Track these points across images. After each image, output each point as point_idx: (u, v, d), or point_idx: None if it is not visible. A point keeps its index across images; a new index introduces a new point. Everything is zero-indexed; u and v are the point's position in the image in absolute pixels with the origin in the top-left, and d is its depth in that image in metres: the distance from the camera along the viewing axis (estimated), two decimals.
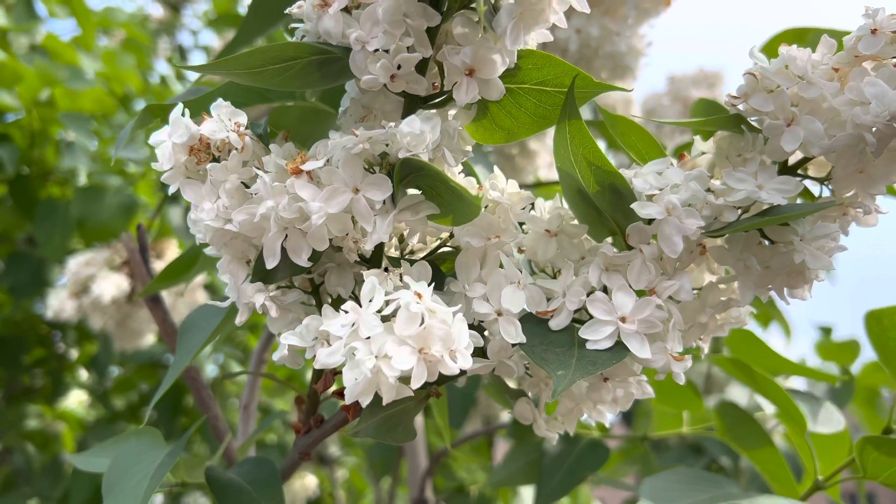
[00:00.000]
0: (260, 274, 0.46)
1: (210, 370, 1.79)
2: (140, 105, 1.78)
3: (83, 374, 1.74)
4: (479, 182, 0.50)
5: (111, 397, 1.67)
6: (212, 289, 1.49)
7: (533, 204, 0.49)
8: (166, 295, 1.26)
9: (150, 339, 1.30)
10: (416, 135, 0.41)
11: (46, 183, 1.54)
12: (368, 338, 0.39)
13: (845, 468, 0.63)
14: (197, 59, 2.26)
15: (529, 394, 0.53)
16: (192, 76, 1.97)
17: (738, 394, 1.13)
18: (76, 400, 1.81)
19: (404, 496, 1.73)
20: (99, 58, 1.64)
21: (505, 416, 1.33)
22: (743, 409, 0.75)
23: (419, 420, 1.17)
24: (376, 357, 0.38)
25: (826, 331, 1.47)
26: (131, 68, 1.63)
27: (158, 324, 0.73)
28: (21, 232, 1.59)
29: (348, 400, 0.39)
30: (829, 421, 0.68)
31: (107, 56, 1.62)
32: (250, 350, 1.77)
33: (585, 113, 0.93)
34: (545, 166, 1.16)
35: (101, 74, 1.55)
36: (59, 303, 1.19)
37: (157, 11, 2.35)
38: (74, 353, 1.70)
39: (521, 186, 0.49)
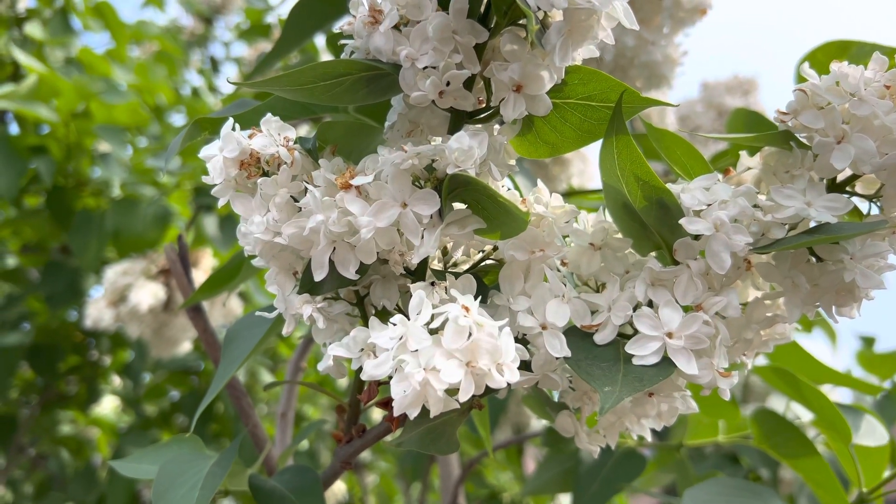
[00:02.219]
0: (307, 286, 0.47)
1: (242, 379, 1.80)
2: (173, 117, 1.81)
3: (116, 381, 1.77)
4: (521, 194, 0.50)
5: (143, 404, 1.69)
6: (245, 297, 1.50)
7: (576, 217, 0.49)
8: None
9: (186, 346, 1.31)
10: (464, 150, 0.41)
11: (82, 194, 1.57)
12: (416, 350, 0.39)
13: (892, 480, 0.63)
14: (229, 70, 2.29)
15: (570, 406, 0.53)
16: (225, 88, 2.00)
17: (778, 405, 1.11)
18: (109, 406, 1.84)
19: (434, 503, 1.73)
20: (132, 70, 1.67)
21: (535, 424, 1.33)
22: (781, 416, 0.74)
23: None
24: (424, 370, 0.38)
25: (868, 341, 1.45)
26: (163, 80, 1.65)
27: (199, 333, 0.74)
28: (56, 242, 1.62)
29: (397, 412, 0.39)
30: (872, 434, 0.67)
31: (139, 68, 1.65)
32: (279, 358, 1.78)
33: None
34: (577, 174, 1.16)
35: (133, 86, 1.58)
36: (97, 312, 1.21)
37: (190, 24, 2.38)
38: (108, 361, 1.73)
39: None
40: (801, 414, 0.83)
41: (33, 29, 1.62)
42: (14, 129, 1.60)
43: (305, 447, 1.72)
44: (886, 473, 0.68)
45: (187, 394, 1.62)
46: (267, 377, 1.62)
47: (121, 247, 1.44)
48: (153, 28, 1.85)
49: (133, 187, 1.54)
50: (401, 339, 0.40)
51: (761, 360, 0.98)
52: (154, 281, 1.23)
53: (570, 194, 1.13)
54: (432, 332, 0.40)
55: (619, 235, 0.48)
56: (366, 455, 1.91)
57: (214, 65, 2.28)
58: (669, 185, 0.45)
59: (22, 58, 1.42)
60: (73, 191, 1.55)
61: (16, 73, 1.63)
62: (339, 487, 1.58)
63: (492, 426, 1.15)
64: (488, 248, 0.51)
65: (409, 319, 0.41)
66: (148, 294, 1.19)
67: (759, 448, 0.76)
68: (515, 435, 1.38)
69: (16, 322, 1.57)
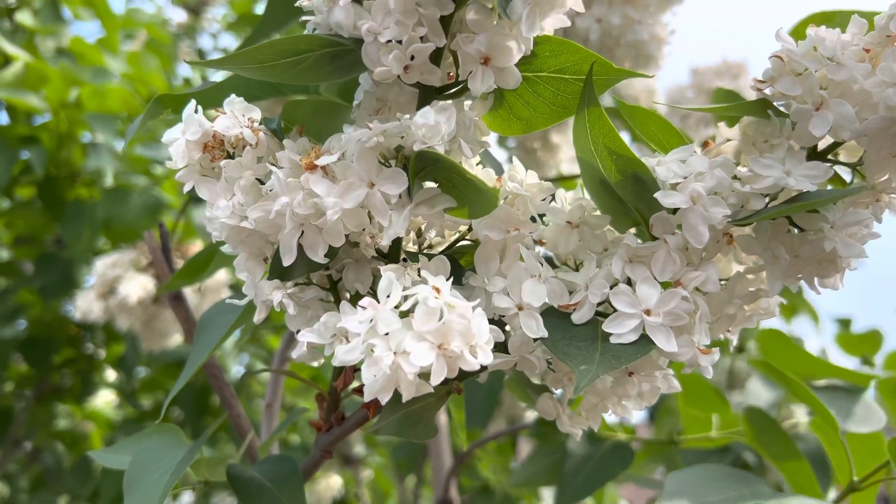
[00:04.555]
0: (277, 271, 0.46)
1: (237, 371, 1.79)
2: None
3: (111, 375, 1.76)
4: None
5: (138, 397, 1.69)
6: (237, 288, 1.49)
7: (553, 195, 0.48)
8: (192, 295, 1.26)
9: (176, 339, 1.30)
10: (430, 126, 0.40)
11: (74, 184, 1.56)
12: (387, 334, 0.38)
13: (881, 469, 0.61)
14: None
15: (553, 390, 0.52)
16: (214, 78, 1.98)
17: (759, 389, 1.10)
18: (105, 400, 1.83)
19: (429, 496, 1.72)
20: (124, 60, 1.65)
21: (529, 416, 1.32)
22: (769, 416, 0.73)
23: (443, 420, 1.16)
24: (395, 353, 0.37)
25: (845, 323, 1.44)
26: (155, 70, 1.64)
27: (181, 322, 0.73)
28: (49, 233, 1.61)
29: (367, 398, 0.38)
30: (868, 419, 0.66)
31: (132, 57, 1.64)
32: (276, 350, 1.77)
33: (608, 103, 0.91)
34: (567, 160, 1.14)
35: (126, 76, 1.56)
36: (86, 304, 1.20)
37: (177, 16, 2.37)
38: (103, 354, 1.72)
39: (544, 181, 0.48)
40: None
41: (24, 18, 1.60)
42: (3, 118, 1.59)
43: (298, 442, 1.71)
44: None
45: (183, 387, 1.61)
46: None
47: (112, 237, 1.43)
48: (143, 16, 1.83)
49: (125, 177, 1.53)
50: (370, 322, 0.39)
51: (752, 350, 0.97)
52: (143, 273, 1.22)
53: (559, 180, 1.11)
54: (403, 314, 0.39)
55: (598, 212, 0.47)
56: (360, 450, 1.91)
57: (202, 56, 2.26)
58: (645, 159, 0.43)
59: (8, 47, 1.41)
60: (65, 181, 1.54)
61: (7, 64, 1.62)
62: (335, 482, 1.57)
63: (486, 418, 1.14)
64: (463, 228, 0.50)
65: (379, 302, 0.39)
66: (137, 286, 1.17)
67: (749, 445, 0.75)
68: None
69: (10, 315, 1.57)
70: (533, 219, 0.47)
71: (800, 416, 0.83)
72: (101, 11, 1.72)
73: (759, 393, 1.08)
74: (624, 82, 1.12)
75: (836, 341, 1.31)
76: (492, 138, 0.49)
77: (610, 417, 0.87)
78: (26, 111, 1.53)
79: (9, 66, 1.44)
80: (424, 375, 0.38)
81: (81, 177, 1.56)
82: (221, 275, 1.25)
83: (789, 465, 0.68)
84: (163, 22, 2.14)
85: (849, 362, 1.39)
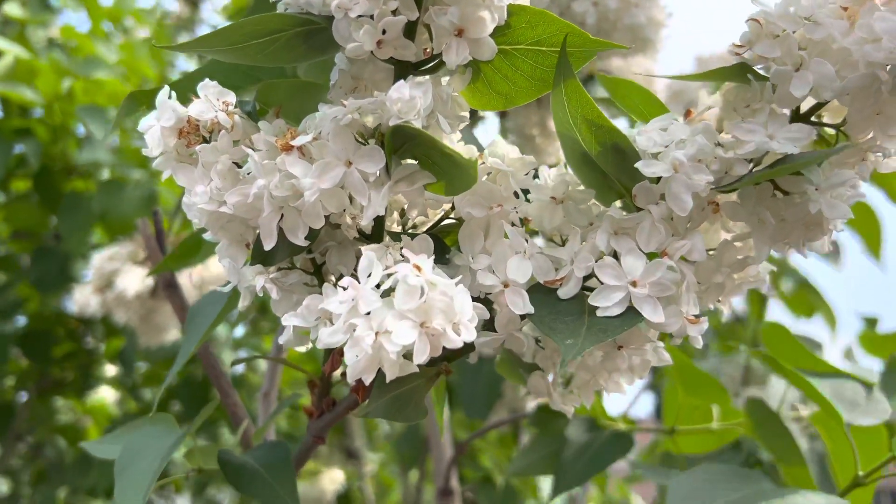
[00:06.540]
0: (259, 256, 0.45)
1: (237, 365, 1.80)
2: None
3: (111, 369, 1.76)
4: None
5: (140, 390, 1.69)
6: None
7: (537, 171, 0.47)
8: (194, 292, 1.25)
9: (174, 333, 1.30)
10: (406, 101, 0.39)
11: (70, 177, 1.55)
12: (368, 313, 0.37)
13: (886, 463, 0.60)
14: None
15: (541, 366, 0.52)
16: None
17: (779, 386, 1.08)
18: (105, 394, 1.83)
19: (432, 490, 1.74)
20: (116, 50, 1.64)
21: (531, 407, 1.32)
22: (770, 408, 0.72)
23: (444, 412, 1.16)
24: (376, 333, 0.37)
25: (870, 322, 1.41)
26: (146, 59, 1.63)
27: (175, 310, 0.72)
28: (46, 228, 1.61)
29: (350, 378, 0.38)
30: (875, 410, 0.64)
31: (124, 47, 1.63)
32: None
33: (599, 90, 0.90)
34: None
35: (119, 62, 1.55)
36: (83, 298, 1.20)
37: (177, 8, 2.35)
38: (103, 348, 1.72)
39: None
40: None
41: (12, 8, 1.59)
42: None
43: (304, 434, 1.71)
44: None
45: (183, 381, 1.61)
46: (262, 363, 1.61)
47: (109, 229, 1.42)
48: (130, 3, 1.82)
49: (121, 169, 1.52)
50: (352, 302, 0.38)
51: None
52: (141, 266, 1.21)
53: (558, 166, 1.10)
54: (385, 294, 0.38)
55: (582, 187, 0.47)
56: (363, 444, 1.91)
57: None
58: (625, 130, 0.43)
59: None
60: (61, 174, 1.54)
61: None
62: (339, 476, 1.58)
63: (487, 410, 1.13)
64: (447, 206, 0.49)
65: (359, 282, 0.39)
66: (135, 280, 1.17)
67: (751, 437, 0.75)
68: None
69: (9, 309, 1.57)
70: (517, 195, 0.46)
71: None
72: (87, 1, 1.71)
73: (779, 389, 1.06)
74: (620, 66, 1.11)
75: (859, 340, 1.27)
76: (493, 128, 0.48)
77: (611, 409, 0.87)
78: (20, 104, 1.53)
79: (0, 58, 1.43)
80: (409, 355, 0.38)
81: (77, 169, 1.55)
82: (220, 268, 1.24)
83: (789, 460, 0.67)
84: (152, 13, 2.12)
85: (873, 364, 1.36)
